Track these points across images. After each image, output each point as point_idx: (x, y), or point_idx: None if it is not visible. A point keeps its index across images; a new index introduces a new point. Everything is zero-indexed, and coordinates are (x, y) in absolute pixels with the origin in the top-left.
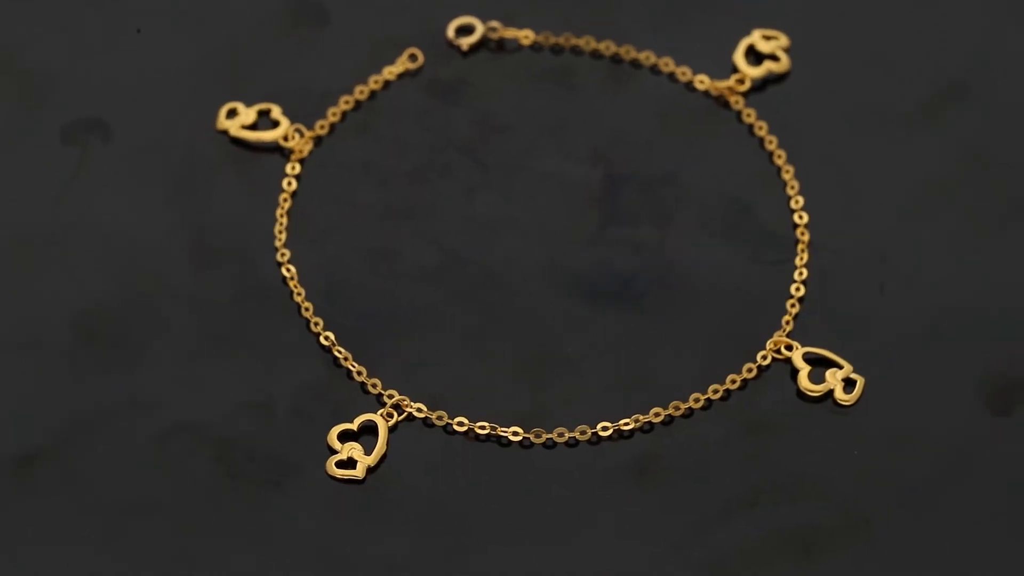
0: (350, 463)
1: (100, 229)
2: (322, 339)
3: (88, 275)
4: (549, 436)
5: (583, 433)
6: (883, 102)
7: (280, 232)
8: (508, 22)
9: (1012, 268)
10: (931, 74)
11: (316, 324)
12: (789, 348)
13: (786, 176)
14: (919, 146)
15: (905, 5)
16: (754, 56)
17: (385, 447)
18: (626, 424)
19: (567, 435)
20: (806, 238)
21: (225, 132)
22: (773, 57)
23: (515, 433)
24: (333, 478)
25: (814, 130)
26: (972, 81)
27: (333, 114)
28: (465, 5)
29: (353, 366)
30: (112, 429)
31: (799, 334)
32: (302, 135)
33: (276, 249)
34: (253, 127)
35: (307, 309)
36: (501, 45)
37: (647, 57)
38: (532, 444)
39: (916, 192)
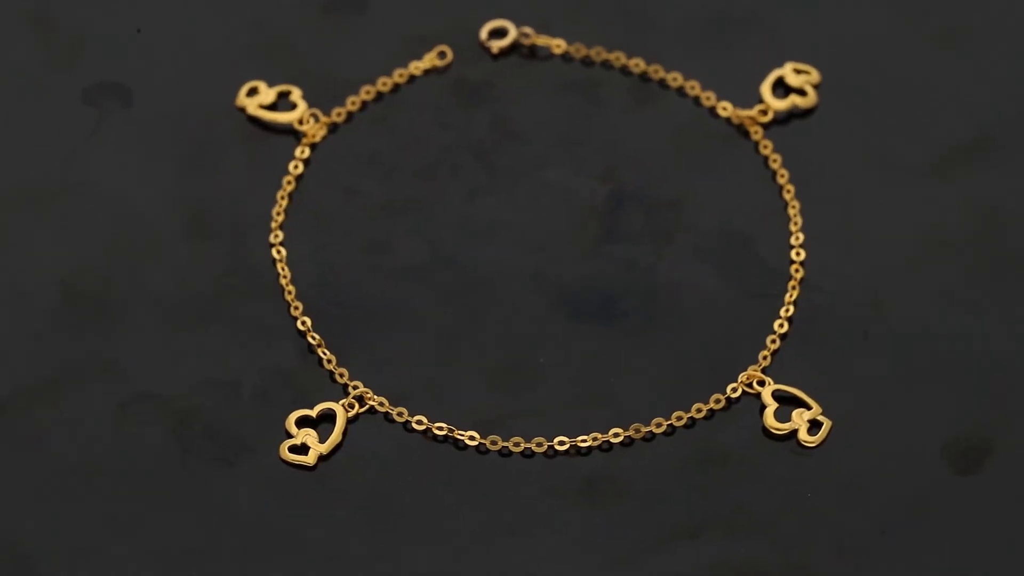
0: (303, 449)
1: (102, 191)
2: (299, 324)
3: (83, 235)
4: (505, 444)
5: (539, 445)
6: (903, 149)
7: (278, 214)
8: (543, 30)
9: (1002, 330)
10: (956, 126)
11: (296, 308)
12: (761, 383)
13: (791, 211)
14: (931, 197)
15: (941, 55)
16: (783, 89)
17: (341, 437)
18: (583, 441)
19: (523, 445)
20: (799, 275)
21: (243, 109)
22: (801, 91)
23: (471, 437)
24: (285, 462)
25: (828, 169)
26: (998, 137)
27: (352, 103)
28: (504, 9)
29: (324, 353)
30: (78, 389)
31: (775, 370)
32: (317, 120)
33: (271, 230)
34: (272, 107)
35: (289, 292)
36: (533, 52)
37: (674, 78)
38: (487, 450)
39: (919, 244)
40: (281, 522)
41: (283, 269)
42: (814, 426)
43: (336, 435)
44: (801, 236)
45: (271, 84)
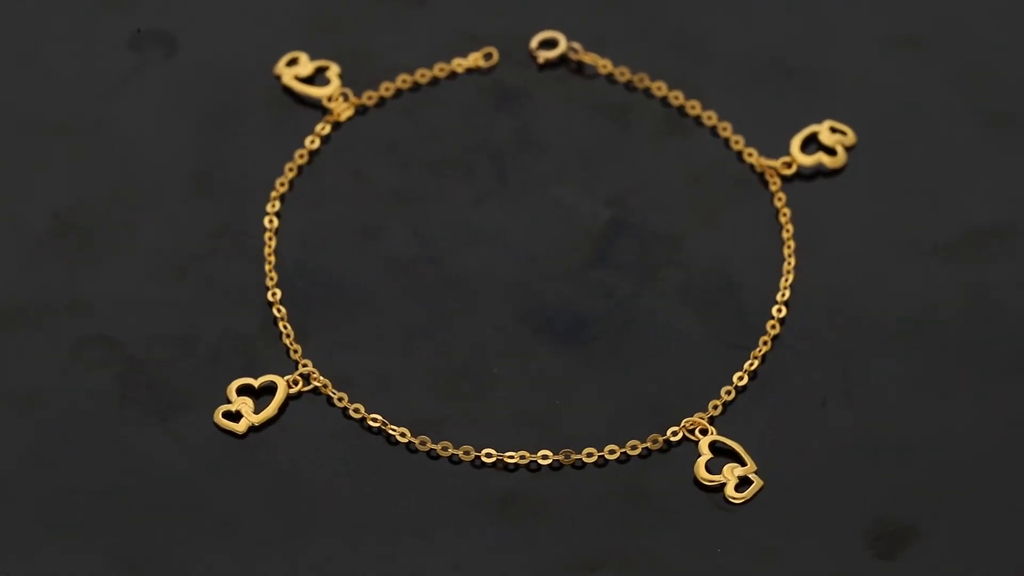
0: (236, 416)
1: (120, 134)
2: (269, 294)
3: (89, 173)
4: (433, 447)
5: (466, 453)
6: (916, 226)
7: (281, 184)
8: (596, 48)
9: (959, 423)
10: (977, 211)
11: (271, 279)
12: (704, 432)
13: (785, 268)
14: (929, 278)
15: (987, 135)
16: (816, 144)
17: (276, 411)
18: (511, 457)
19: (451, 451)
20: (774, 332)
21: (278, 78)
22: (831, 151)
23: (403, 434)
24: (216, 426)
25: (834, 233)
26: (1017, 226)
27: (386, 89)
28: (564, 21)
29: (285, 327)
30: (41, 319)
31: (723, 421)
32: (346, 99)
33: (269, 199)
34: (308, 80)
35: (269, 262)
36: (580, 68)
37: (709, 117)
38: (416, 450)
39: (903, 323)
40: (193, 483)
41: (270, 238)
42: (743, 483)
43: (272, 409)
44: (788, 293)
45: (313, 57)
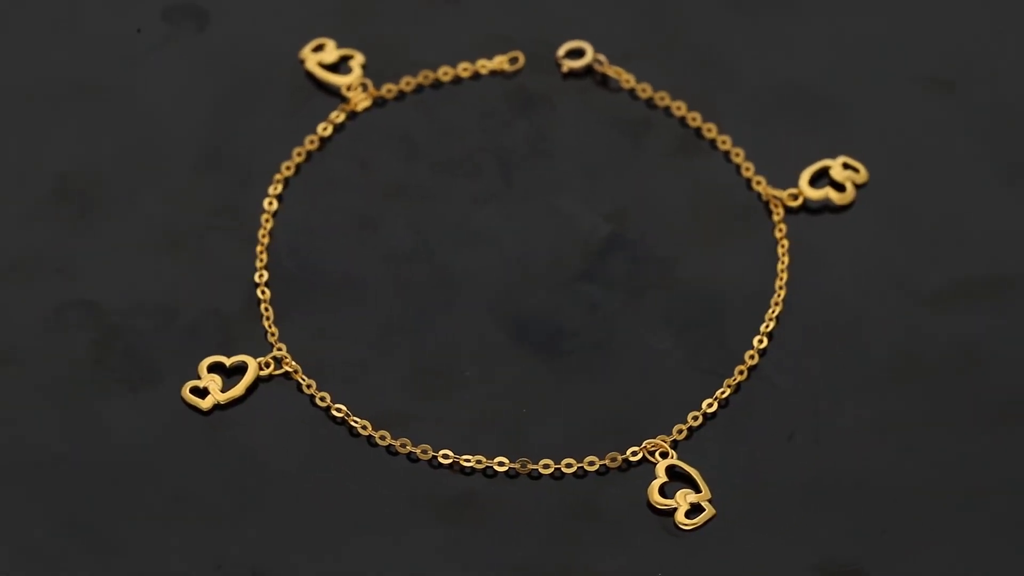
0: (203, 393)
1: (137, 102)
2: (256, 275)
3: (101, 137)
4: (393, 443)
5: (424, 452)
6: (913, 271)
7: (287, 168)
8: (623, 62)
9: (920, 471)
10: (977, 261)
11: (260, 260)
12: (664, 455)
13: (774, 300)
14: (920, 326)
15: (1000, 188)
16: (827, 179)
17: (244, 392)
18: (467, 461)
19: (409, 448)
20: (752, 362)
21: (302, 62)
22: (840, 186)
23: (364, 427)
24: (183, 401)
25: (829, 270)
26: (1016, 280)
27: (407, 83)
28: (598, 32)
29: (266, 309)
30: (28, 278)
31: (687, 446)
32: (365, 90)
33: (272, 181)
34: (332, 67)
35: (261, 243)
36: (604, 80)
37: (723, 141)
38: (375, 444)
39: (891, 369)
40: (150, 455)
41: (267, 220)
42: (695, 510)
43: (239, 389)
44: (772, 325)
45: (340, 45)
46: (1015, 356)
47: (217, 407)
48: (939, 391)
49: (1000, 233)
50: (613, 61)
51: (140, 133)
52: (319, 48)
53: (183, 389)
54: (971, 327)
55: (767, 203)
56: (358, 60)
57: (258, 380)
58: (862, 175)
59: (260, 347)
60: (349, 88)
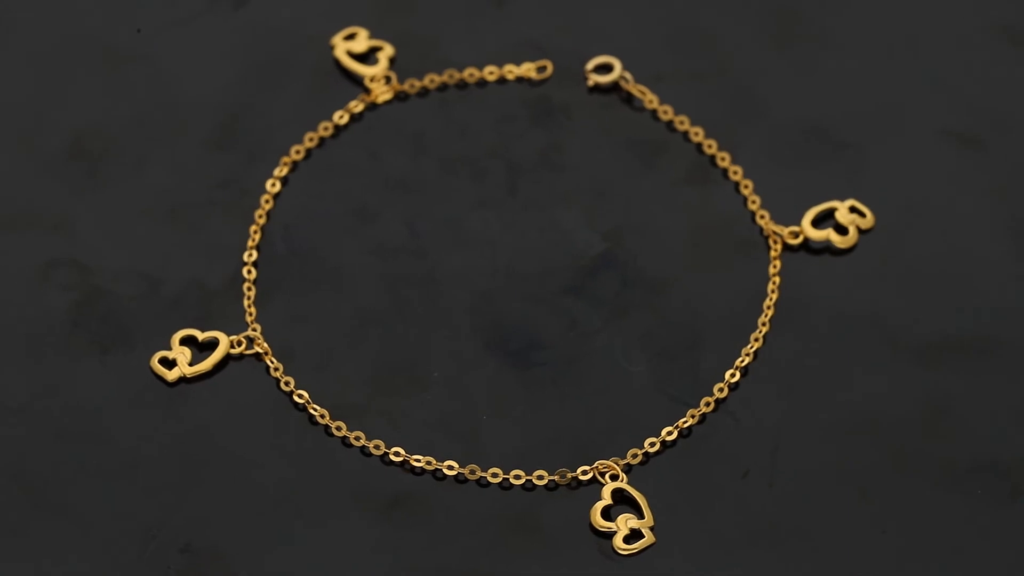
0: (171, 364)
1: (159, 71)
2: (246, 254)
3: (119, 101)
4: (347, 435)
5: (377, 448)
6: (900, 325)
7: (297, 152)
8: (650, 80)
9: (871, 530)
10: (963, 321)
11: (252, 240)
12: (614, 477)
13: (754, 337)
14: (896, 380)
15: (1004, 245)
16: (833, 220)
17: (211, 367)
18: (417, 461)
19: (363, 442)
20: (721, 395)
21: (332, 48)
22: (843, 229)
23: (322, 416)
24: (151, 370)
25: (817, 313)
26: (997, 342)
27: (431, 80)
28: (629, 49)
29: (248, 288)
30: (23, 233)
31: (640, 471)
32: (388, 83)
33: (280, 163)
34: (361, 57)
35: (256, 222)
36: (628, 98)
37: (735, 171)
38: (331, 435)
39: (858, 420)
40: (108, 420)
41: (267, 200)
42: (634, 536)
43: (206, 364)
44: (747, 360)
45: (373, 36)
46: (984, 421)
47: (183, 380)
48: (902, 447)
49: (996, 295)
50: (643, 80)
51: (160, 101)
52: (351, 37)
53: (152, 358)
54: (947, 386)
55: (767, 238)
56: (386, 53)
57: (228, 358)
58: (868, 220)
59: (237, 325)
60: (372, 79)
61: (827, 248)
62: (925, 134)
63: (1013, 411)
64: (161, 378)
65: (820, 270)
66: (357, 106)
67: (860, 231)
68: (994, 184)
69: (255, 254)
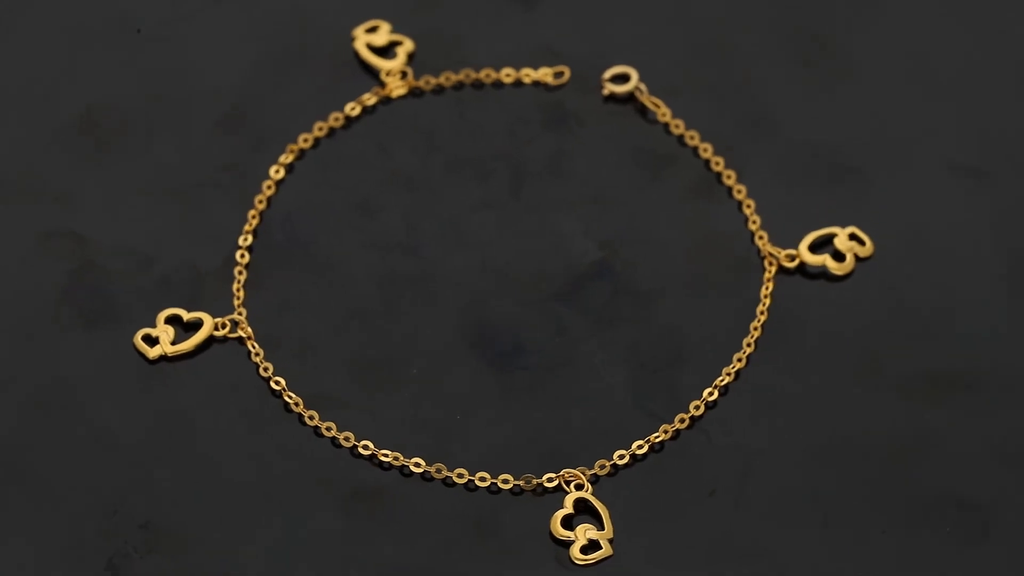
0: (153, 342)
1: (183, 51)
2: (242, 238)
3: (134, 77)
4: (318, 425)
5: (346, 440)
6: (888, 356)
7: (304, 140)
8: (665, 93)
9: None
10: (954, 355)
11: (249, 224)
12: (579, 487)
13: (738, 356)
14: (877, 411)
15: (994, 287)
16: (831, 246)
17: (192, 348)
18: (385, 456)
19: (333, 433)
20: (697, 412)
21: (353, 40)
22: (841, 256)
23: (296, 404)
24: (133, 346)
25: (804, 338)
26: (985, 380)
27: (447, 78)
28: (649, 60)
29: (240, 271)
30: (24, 201)
31: (607, 482)
32: (404, 78)
33: (287, 149)
34: (380, 51)
35: (255, 208)
36: (642, 109)
37: (739, 190)
38: (304, 424)
39: (834, 450)
40: (84, 393)
41: (269, 186)
42: (592, 546)
43: (188, 344)
44: (727, 380)
45: (395, 30)
46: (961, 457)
47: (163, 358)
48: (874, 478)
49: (985, 332)
50: (661, 93)
51: (175, 81)
52: (373, 29)
53: (136, 335)
54: (927, 420)
55: (764, 259)
56: (405, 48)
57: (212, 340)
58: (867, 249)
59: (225, 308)
60: (388, 74)
61: (823, 274)
62: (935, 166)
63: (991, 449)
64: (143, 355)
65: (813, 295)
66: (370, 99)
67: (858, 259)
68: (998, 221)
69: (250, 239)
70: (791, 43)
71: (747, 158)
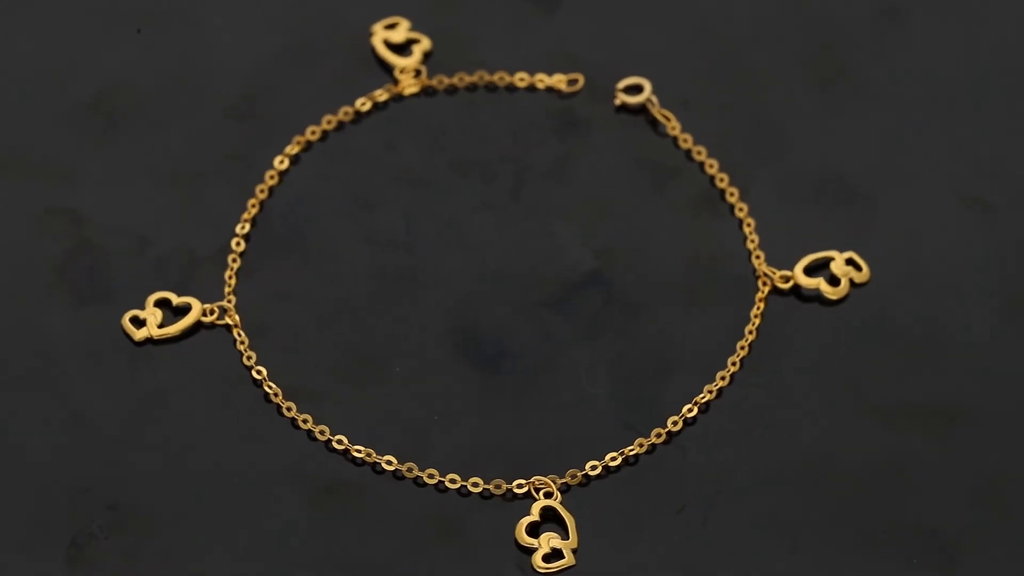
0: (140, 324)
1: (199, 36)
2: (239, 226)
3: (150, 61)
4: (295, 416)
5: (322, 433)
6: (873, 384)
7: (312, 133)
8: (680, 107)
9: None
10: (938, 387)
11: (248, 214)
12: (549, 495)
13: (722, 374)
14: (854, 439)
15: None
16: (827, 270)
17: (179, 332)
18: (358, 452)
19: (309, 425)
20: (675, 428)
21: (371, 35)
22: (836, 280)
23: (276, 394)
24: (120, 327)
25: (789, 361)
26: (963, 413)
27: (460, 79)
28: (667, 72)
29: (234, 259)
30: (26, 179)
31: (578, 492)
32: (417, 76)
33: (293, 141)
34: (397, 48)
35: (256, 196)
36: (653, 121)
37: (740, 208)
38: (281, 415)
39: (809, 475)
40: (64, 368)
41: (272, 176)
42: (554, 555)
43: (174, 328)
44: (709, 397)
45: (414, 28)
46: (934, 490)
47: (149, 341)
48: (846, 505)
49: (973, 367)
50: (674, 105)
51: (190, 66)
52: (392, 26)
53: (124, 316)
54: (904, 451)
55: (758, 278)
56: (422, 46)
57: (199, 325)
58: (864, 275)
59: (216, 295)
60: (402, 71)
61: (817, 297)
62: (943, 196)
63: (965, 484)
64: (129, 336)
65: (805, 318)
66: (382, 95)
67: (853, 284)
68: (1000, 256)
69: (247, 227)
70: (810, 64)
71: (753, 176)
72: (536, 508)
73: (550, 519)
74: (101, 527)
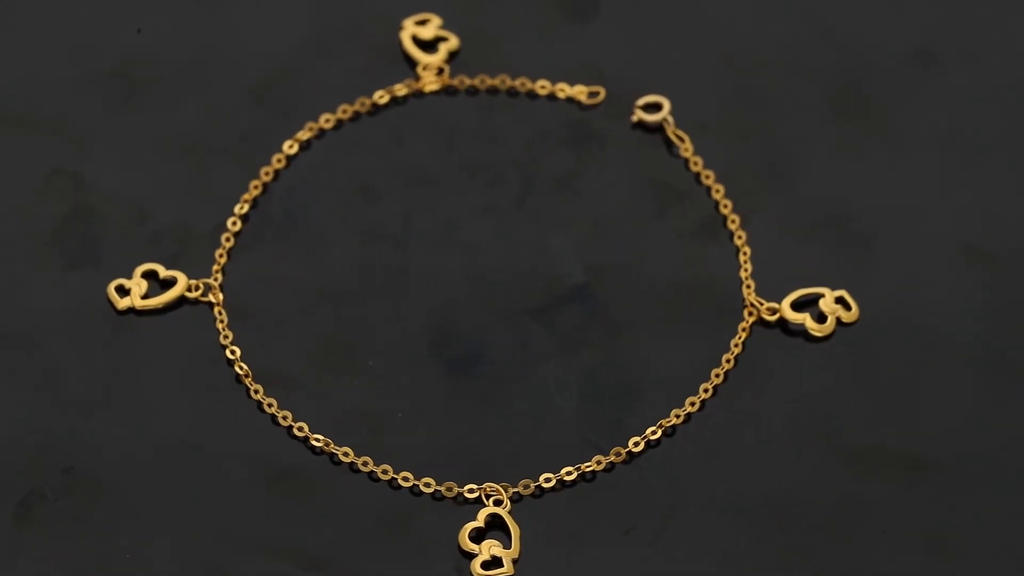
0: (125, 293)
1: (230, 17)
2: (238, 206)
3: (176, 34)
4: (261, 400)
5: (284, 419)
6: (843, 427)
7: (327, 120)
8: (697, 129)
9: None
10: (911, 436)
11: (248, 195)
12: (498, 502)
13: (692, 400)
14: (820, 478)
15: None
16: (815, 306)
17: (161, 305)
18: (317, 441)
19: (273, 410)
20: (636, 449)
21: (400, 29)
22: (823, 317)
23: (246, 375)
24: (105, 295)
25: (765, 396)
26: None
27: (481, 81)
28: (688, 95)
29: (227, 237)
30: (38, 139)
31: (531, 504)
32: (440, 74)
33: (305, 126)
34: (425, 45)
35: (259, 179)
36: (667, 141)
37: (740, 236)
38: (262, 411)
39: (769, 510)
40: (43, 332)
41: (279, 160)
42: (494, 563)
43: (157, 301)
44: (675, 421)
45: (445, 26)
46: (893, 536)
47: (131, 311)
48: (800, 546)
49: (947, 419)
50: (691, 126)
51: (218, 43)
52: (423, 22)
53: (109, 285)
54: (866, 495)
55: (746, 307)
56: (448, 45)
57: (183, 300)
58: (852, 314)
59: (206, 272)
60: (425, 68)
61: (802, 332)
62: (945, 246)
63: (925, 534)
64: (112, 304)
65: (786, 352)
66: (401, 90)
67: (840, 323)
68: (993, 311)
69: (247, 208)
70: (831, 99)
71: (757, 205)
72: (482, 515)
73: (496, 527)
74: (53, 489)
